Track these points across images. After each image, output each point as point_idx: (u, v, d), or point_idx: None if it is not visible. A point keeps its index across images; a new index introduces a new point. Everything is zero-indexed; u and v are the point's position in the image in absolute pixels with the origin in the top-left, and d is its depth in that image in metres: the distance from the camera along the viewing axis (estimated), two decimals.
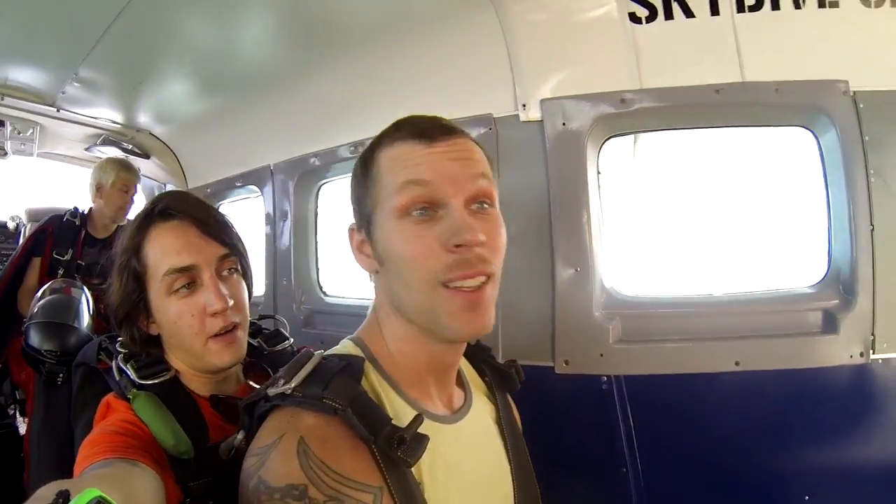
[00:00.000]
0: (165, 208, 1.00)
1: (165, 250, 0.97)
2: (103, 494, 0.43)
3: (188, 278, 0.97)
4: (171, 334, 1.00)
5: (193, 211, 1.01)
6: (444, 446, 0.76)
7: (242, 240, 1.09)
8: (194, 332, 0.97)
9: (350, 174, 0.83)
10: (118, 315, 1.02)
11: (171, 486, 0.86)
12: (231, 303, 0.98)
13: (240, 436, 0.78)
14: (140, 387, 0.96)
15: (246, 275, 1.08)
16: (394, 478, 0.67)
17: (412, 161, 0.73)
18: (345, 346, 0.82)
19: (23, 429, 2.34)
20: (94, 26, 1.84)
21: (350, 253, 0.83)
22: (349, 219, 0.83)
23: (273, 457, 0.65)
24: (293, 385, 0.70)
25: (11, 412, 2.46)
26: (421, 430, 0.68)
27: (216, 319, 0.97)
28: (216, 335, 0.98)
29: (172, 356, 1.03)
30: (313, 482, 0.63)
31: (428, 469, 0.72)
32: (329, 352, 0.80)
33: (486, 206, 0.75)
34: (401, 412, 0.75)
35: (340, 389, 0.69)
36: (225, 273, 1.01)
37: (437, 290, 0.71)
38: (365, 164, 0.79)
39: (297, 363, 0.74)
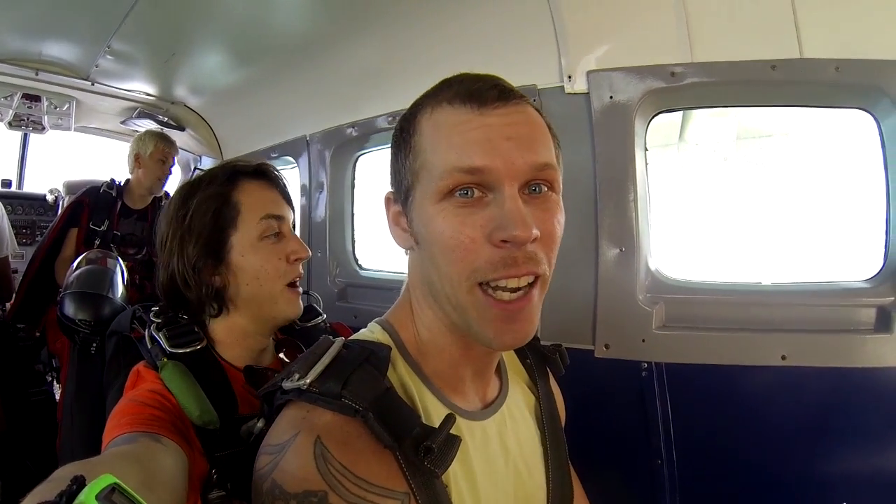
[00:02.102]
0: (262, 169, 1.11)
1: (263, 200, 1.07)
2: (118, 481, 0.42)
3: (278, 227, 1.06)
4: (250, 279, 1.03)
5: (279, 178, 1.13)
6: (474, 444, 0.71)
7: None
8: (279, 274, 1.04)
9: (389, 146, 0.77)
10: (199, 263, 1.03)
11: (198, 457, 0.86)
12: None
13: (260, 423, 0.76)
14: (171, 356, 0.96)
15: None
16: (419, 484, 0.62)
17: (461, 135, 0.63)
18: (372, 331, 0.76)
19: (59, 396, 2.40)
20: None
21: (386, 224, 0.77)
22: (386, 189, 0.76)
23: (288, 458, 0.60)
24: (308, 381, 0.63)
25: (49, 379, 2.53)
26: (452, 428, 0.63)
27: (295, 267, 1.06)
28: (291, 285, 1.06)
29: (227, 317, 1.06)
30: (334, 489, 0.57)
31: (454, 469, 0.66)
32: (354, 336, 0.75)
33: (543, 189, 0.65)
34: (431, 409, 0.69)
35: (361, 387, 0.62)
36: None
37: (472, 292, 0.64)
38: (404, 129, 0.69)
39: (313, 353, 0.67)
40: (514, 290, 0.63)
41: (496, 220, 0.61)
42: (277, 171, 1.14)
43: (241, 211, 1.04)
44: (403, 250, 0.76)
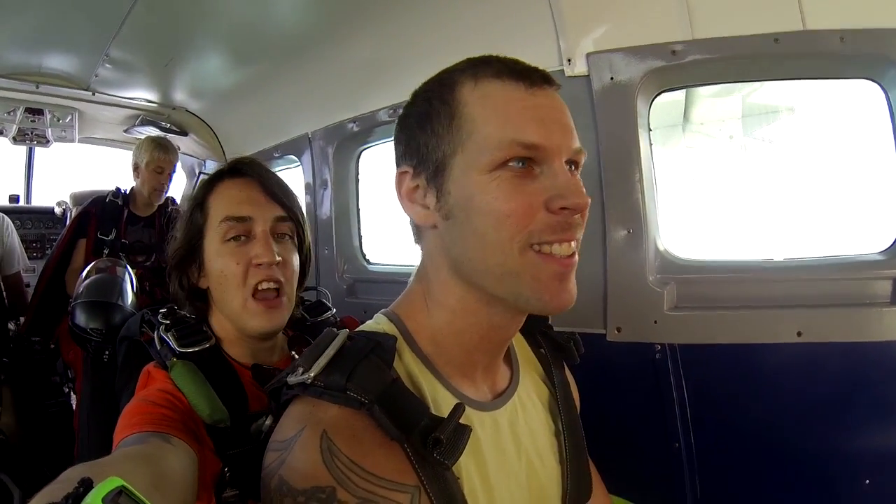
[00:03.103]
0: (236, 165, 1.06)
1: (228, 201, 1.02)
2: (125, 484, 0.41)
3: (243, 229, 1.00)
4: (216, 285, 1.02)
5: (260, 172, 1.07)
6: (484, 435, 0.70)
7: (303, 212, 1.12)
8: (238, 282, 0.99)
9: (391, 139, 0.76)
10: (173, 260, 1.05)
11: (209, 455, 0.86)
12: (279, 259, 1.00)
13: (268, 420, 0.76)
14: (180, 355, 0.96)
15: (301, 247, 1.10)
16: (429, 476, 0.61)
17: (517, 111, 0.64)
18: (378, 322, 0.75)
19: (75, 405, 2.43)
20: (118, 4, 1.84)
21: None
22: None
23: (294, 454, 0.59)
24: (313, 374, 0.62)
25: (66, 390, 2.55)
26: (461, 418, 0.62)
27: (258, 271, 0.99)
28: (257, 296, 0.99)
29: (217, 315, 1.05)
30: (342, 483, 0.57)
31: (465, 460, 0.65)
32: (360, 328, 0.74)
33: (571, 167, 0.68)
34: (440, 399, 0.68)
35: (367, 379, 0.61)
36: (278, 235, 1.04)
37: (525, 254, 0.64)
38: (437, 100, 0.68)
39: (317, 346, 0.66)
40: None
41: (551, 189, 0.63)
42: (258, 164, 1.09)
43: (209, 215, 1.03)
44: (415, 234, 0.75)
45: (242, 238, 1.01)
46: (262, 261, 0.99)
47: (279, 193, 1.05)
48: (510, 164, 0.64)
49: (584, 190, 0.66)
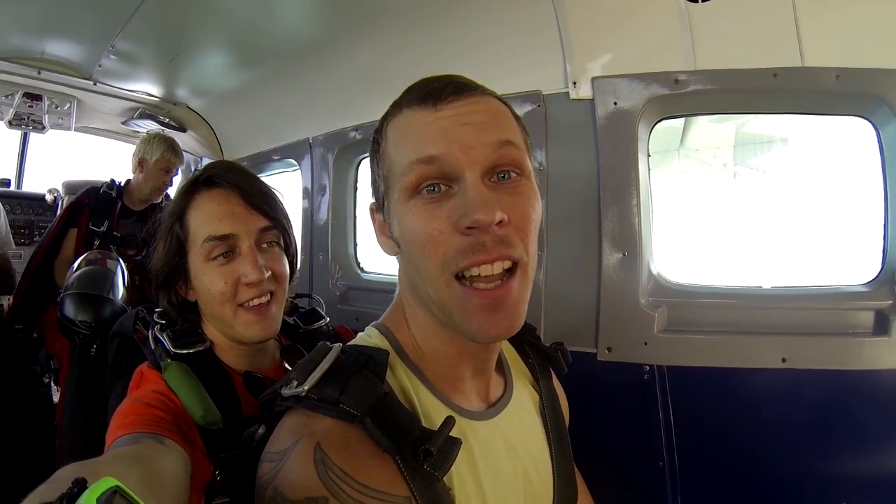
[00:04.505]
0: (211, 176, 1.01)
1: (208, 217, 0.99)
2: (120, 484, 0.41)
3: (227, 247, 0.98)
4: (204, 301, 1.01)
5: (239, 181, 1.02)
6: (479, 445, 0.71)
7: (287, 215, 1.09)
8: (226, 299, 0.98)
9: None
10: (158, 278, 1.03)
11: (201, 459, 0.86)
12: (268, 274, 0.99)
13: (261, 430, 0.76)
14: (174, 356, 0.96)
15: (288, 250, 1.08)
16: (420, 488, 0.62)
17: (417, 133, 0.65)
18: (370, 335, 0.77)
19: (56, 397, 2.39)
20: None
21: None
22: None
23: (289, 465, 0.60)
24: (307, 387, 0.64)
25: (46, 380, 2.51)
26: (453, 430, 0.63)
27: (249, 289, 0.97)
28: (247, 305, 0.98)
29: (208, 325, 1.04)
30: (335, 494, 0.58)
31: (459, 471, 0.67)
32: (353, 342, 0.76)
33: (512, 175, 0.65)
34: (432, 411, 0.70)
35: (360, 392, 0.63)
36: (265, 245, 1.02)
37: (451, 285, 0.64)
38: (375, 140, 0.72)
39: (312, 360, 0.68)
40: (490, 279, 0.63)
41: (461, 208, 0.62)
42: (235, 171, 1.05)
43: (190, 230, 1.01)
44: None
45: (228, 254, 0.98)
46: (250, 280, 0.97)
47: (260, 202, 1.02)
48: (423, 191, 0.64)
49: (523, 201, 0.65)
